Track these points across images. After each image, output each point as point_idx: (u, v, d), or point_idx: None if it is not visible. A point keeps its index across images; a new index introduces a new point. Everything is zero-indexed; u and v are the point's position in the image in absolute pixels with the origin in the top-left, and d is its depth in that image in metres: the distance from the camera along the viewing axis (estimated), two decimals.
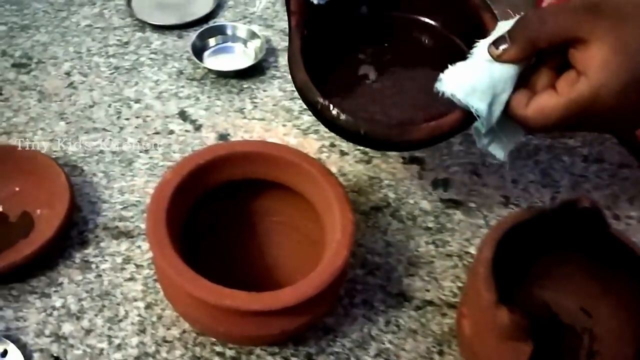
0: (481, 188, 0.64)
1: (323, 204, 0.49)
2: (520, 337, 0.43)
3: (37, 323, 0.52)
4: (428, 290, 0.56)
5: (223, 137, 0.67)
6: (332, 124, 0.46)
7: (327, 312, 0.52)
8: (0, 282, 0.53)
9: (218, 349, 0.51)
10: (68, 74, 0.72)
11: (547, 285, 0.53)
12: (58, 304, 0.53)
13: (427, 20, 0.55)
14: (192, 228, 0.50)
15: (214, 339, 0.51)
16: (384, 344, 0.52)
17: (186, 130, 0.67)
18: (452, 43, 0.54)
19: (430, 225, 0.61)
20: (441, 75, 0.45)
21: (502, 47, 0.44)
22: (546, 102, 0.43)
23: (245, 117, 0.69)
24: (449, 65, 0.45)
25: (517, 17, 0.45)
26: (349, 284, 0.55)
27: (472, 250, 0.59)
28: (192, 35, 0.76)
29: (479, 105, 0.44)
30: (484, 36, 0.46)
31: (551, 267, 0.53)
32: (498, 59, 0.44)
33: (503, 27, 0.46)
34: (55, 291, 0.54)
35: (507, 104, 0.45)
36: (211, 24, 0.78)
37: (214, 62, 0.74)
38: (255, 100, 0.70)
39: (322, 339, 0.52)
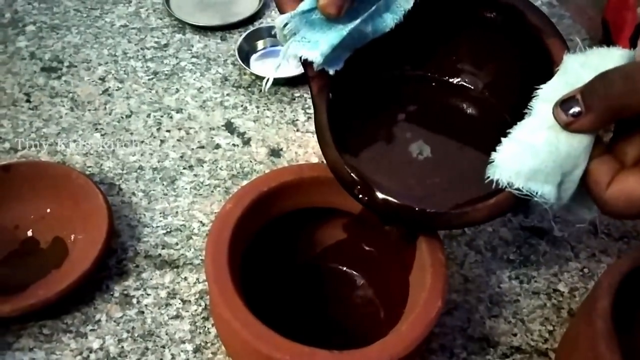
0: (566, 214, 0.56)
1: (407, 241, 0.42)
2: None
3: None
4: (515, 335, 0.49)
5: (275, 152, 0.60)
6: (377, 206, 0.39)
7: None
8: (31, 319, 0.47)
9: None
10: (102, 79, 0.66)
11: None
12: (95, 345, 0.47)
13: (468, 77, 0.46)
14: (250, 264, 0.43)
15: None
16: None
17: (234, 144, 0.60)
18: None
19: (512, 257, 0.53)
20: (493, 157, 0.36)
21: (574, 111, 0.34)
22: (633, 186, 0.33)
23: (298, 130, 0.62)
24: (500, 137, 0.36)
25: (590, 51, 0.36)
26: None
27: (561, 287, 0.52)
28: (237, 37, 0.69)
29: (543, 190, 0.35)
30: (549, 73, 0.37)
31: None
32: (567, 127, 0.34)
33: (572, 67, 0.36)
34: (92, 330, 0.47)
35: (584, 176, 0.35)
36: (257, 25, 0.71)
37: (262, 67, 0.67)
38: (308, 111, 0.63)
39: None
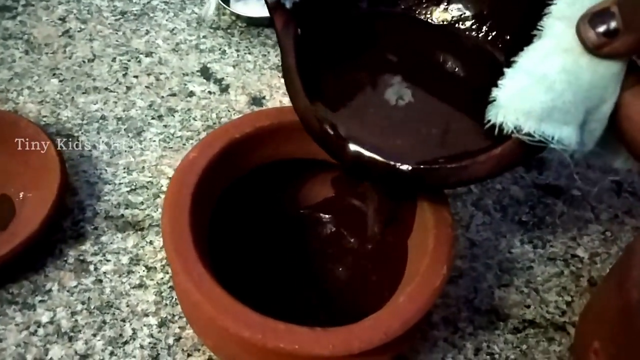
0: (585, 171, 0.50)
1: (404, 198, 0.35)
2: None
3: (16, 344, 0.39)
4: (528, 307, 0.43)
5: (256, 100, 0.53)
6: (353, 164, 0.32)
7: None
8: None
9: None
10: (63, 19, 0.58)
11: None
12: (45, 318, 0.40)
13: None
14: (219, 225, 0.37)
15: None
16: None
17: (210, 92, 0.53)
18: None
19: (524, 218, 0.47)
20: (494, 94, 0.28)
21: (607, 28, 0.26)
22: None
23: None
24: (503, 70, 0.29)
25: None
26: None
27: (580, 252, 0.46)
28: None
29: (562, 133, 0.27)
30: None
31: None
32: (597, 51, 0.27)
33: None
34: (41, 301, 0.41)
35: (614, 113, 0.28)
36: None
37: (243, 6, 0.59)
38: None
39: None
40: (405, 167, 0.30)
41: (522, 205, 0.48)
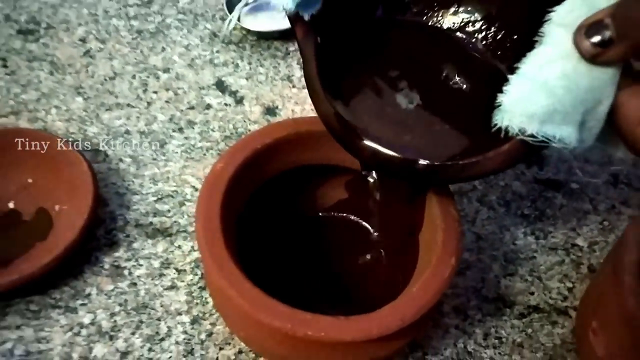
0: (583, 165, 0.53)
1: (414, 198, 0.38)
2: None
3: (62, 344, 0.42)
4: (532, 294, 0.46)
5: (270, 110, 0.56)
6: (371, 161, 0.35)
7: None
8: (17, 295, 0.44)
9: None
10: (83, 40, 0.62)
11: None
12: (86, 320, 0.44)
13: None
14: (247, 226, 0.40)
15: None
16: None
17: (226, 104, 0.57)
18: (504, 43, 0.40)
19: (526, 212, 0.50)
20: (500, 99, 0.31)
21: (602, 38, 0.28)
22: None
23: (294, 86, 0.58)
24: (507, 77, 0.31)
25: None
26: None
27: (580, 241, 0.49)
28: None
29: (562, 133, 0.30)
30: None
31: None
32: (594, 59, 0.29)
33: None
34: (82, 304, 0.44)
35: (611, 112, 0.30)
36: None
37: (253, 21, 0.63)
38: None
39: (409, 356, 0.43)
40: (421, 163, 0.33)
41: (524, 200, 0.51)
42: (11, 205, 0.48)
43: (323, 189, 0.44)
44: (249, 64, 0.60)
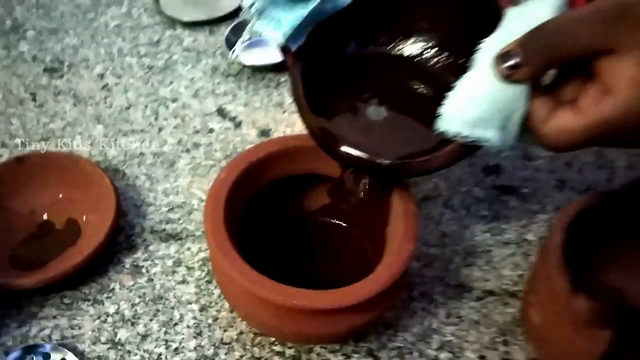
0: (534, 173, 0.62)
1: (382, 198, 0.47)
2: (598, 325, 0.41)
3: (92, 330, 0.51)
4: (488, 280, 0.54)
5: (264, 132, 0.65)
6: (346, 162, 0.45)
7: (390, 307, 0.51)
8: (52, 291, 0.52)
9: (277, 348, 0.50)
10: (101, 76, 0.71)
11: (615, 271, 0.51)
12: (111, 310, 0.52)
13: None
14: (247, 226, 0.49)
15: (272, 339, 0.50)
16: (446, 336, 0.51)
17: (226, 128, 0.66)
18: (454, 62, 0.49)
19: (484, 213, 0.59)
20: (441, 110, 0.40)
21: (512, 63, 0.37)
22: (567, 122, 0.36)
23: (285, 111, 0.67)
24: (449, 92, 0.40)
25: (528, 2, 0.39)
26: (407, 277, 0.54)
27: (530, 236, 0.57)
28: (224, 30, 0.74)
29: (487, 134, 0.39)
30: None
31: (618, 253, 0.51)
32: (507, 79, 0.37)
33: (511, 19, 0.39)
34: (107, 297, 0.53)
35: (526, 116, 0.39)
36: (242, 17, 0.76)
37: (249, 56, 0.72)
38: None
39: (383, 334, 0.51)
40: (385, 162, 0.43)
41: (483, 203, 0.60)
42: (45, 217, 0.57)
43: (309, 194, 0.53)
44: (246, 93, 0.69)
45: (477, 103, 0.38)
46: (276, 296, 0.40)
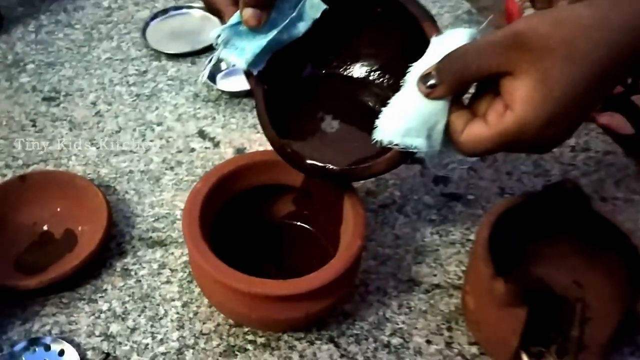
0: (478, 181, 0.70)
1: (336, 203, 0.55)
2: (515, 304, 0.48)
3: (87, 325, 0.58)
4: (435, 275, 0.62)
5: (240, 151, 0.73)
6: (301, 168, 0.53)
7: (346, 298, 0.58)
8: (52, 292, 0.60)
9: (250, 337, 0.57)
10: (94, 103, 0.79)
11: (541, 263, 0.59)
12: (104, 307, 0.59)
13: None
14: (221, 230, 0.56)
15: (246, 329, 0.57)
16: (397, 324, 0.58)
17: (206, 147, 0.74)
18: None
19: (433, 217, 0.67)
20: (377, 123, 0.46)
21: (430, 83, 0.44)
22: (478, 132, 0.43)
23: (258, 132, 0.75)
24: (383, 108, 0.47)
25: (448, 32, 0.46)
26: (364, 274, 0.61)
27: (473, 237, 0.65)
28: (205, 60, 0.83)
29: (416, 142, 0.45)
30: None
31: (544, 247, 0.59)
32: (427, 96, 0.44)
33: (435, 45, 0.46)
34: (101, 297, 0.60)
35: (447, 127, 0.46)
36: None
37: (226, 84, 0.80)
38: None
39: (343, 323, 0.58)
40: (335, 168, 0.51)
41: (432, 209, 0.67)
42: (45, 227, 0.65)
43: (275, 202, 0.61)
44: (224, 116, 0.77)
45: (406, 116, 0.46)
46: (242, 285, 0.48)
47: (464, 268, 0.62)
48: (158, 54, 0.86)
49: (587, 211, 0.55)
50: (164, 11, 0.92)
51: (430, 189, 0.69)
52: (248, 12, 0.49)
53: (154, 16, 0.91)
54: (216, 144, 0.74)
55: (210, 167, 0.71)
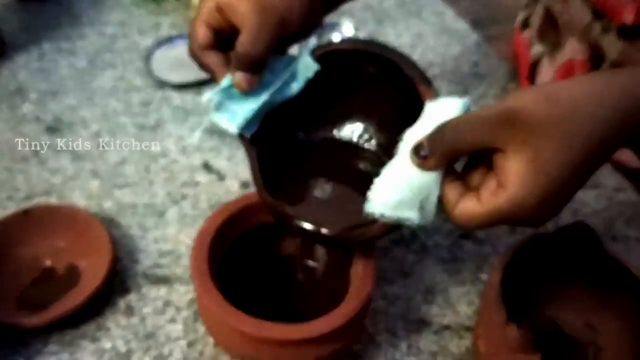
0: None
1: None
2: (528, 350, 0.48)
3: None
4: (445, 315, 0.61)
5: (245, 184, 0.72)
6: (295, 231, 0.52)
7: (355, 340, 0.57)
8: (55, 330, 0.58)
9: None
10: (97, 134, 0.78)
11: (554, 304, 0.58)
12: (108, 346, 0.58)
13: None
14: (228, 267, 0.55)
15: None
16: None
17: (211, 181, 0.73)
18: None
19: (444, 255, 0.66)
20: (368, 195, 0.45)
21: (422, 154, 0.43)
22: (470, 207, 0.42)
23: None
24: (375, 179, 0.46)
25: (441, 100, 0.45)
26: (373, 313, 0.60)
27: (484, 276, 0.64)
28: (208, 90, 0.82)
29: (408, 215, 0.44)
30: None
31: (556, 288, 0.58)
32: (419, 167, 0.43)
33: (428, 114, 0.45)
34: (104, 335, 0.59)
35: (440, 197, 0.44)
36: None
37: None
38: None
39: None
40: (328, 233, 0.50)
41: (442, 247, 0.67)
42: (48, 263, 0.63)
43: (283, 240, 0.60)
44: (229, 148, 0.77)
45: (398, 188, 0.44)
46: (251, 329, 0.47)
47: (474, 308, 0.61)
48: (162, 84, 0.85)
49: (599, 253, 0.54)
50: (169, 39, 0.92)
51: (440, 226, 0.68)
52: (239, 75, 0.48)
53: (158, 44, 0.91)
54: (222, 177, 0.73)
55: (216, 201, 0.70)
